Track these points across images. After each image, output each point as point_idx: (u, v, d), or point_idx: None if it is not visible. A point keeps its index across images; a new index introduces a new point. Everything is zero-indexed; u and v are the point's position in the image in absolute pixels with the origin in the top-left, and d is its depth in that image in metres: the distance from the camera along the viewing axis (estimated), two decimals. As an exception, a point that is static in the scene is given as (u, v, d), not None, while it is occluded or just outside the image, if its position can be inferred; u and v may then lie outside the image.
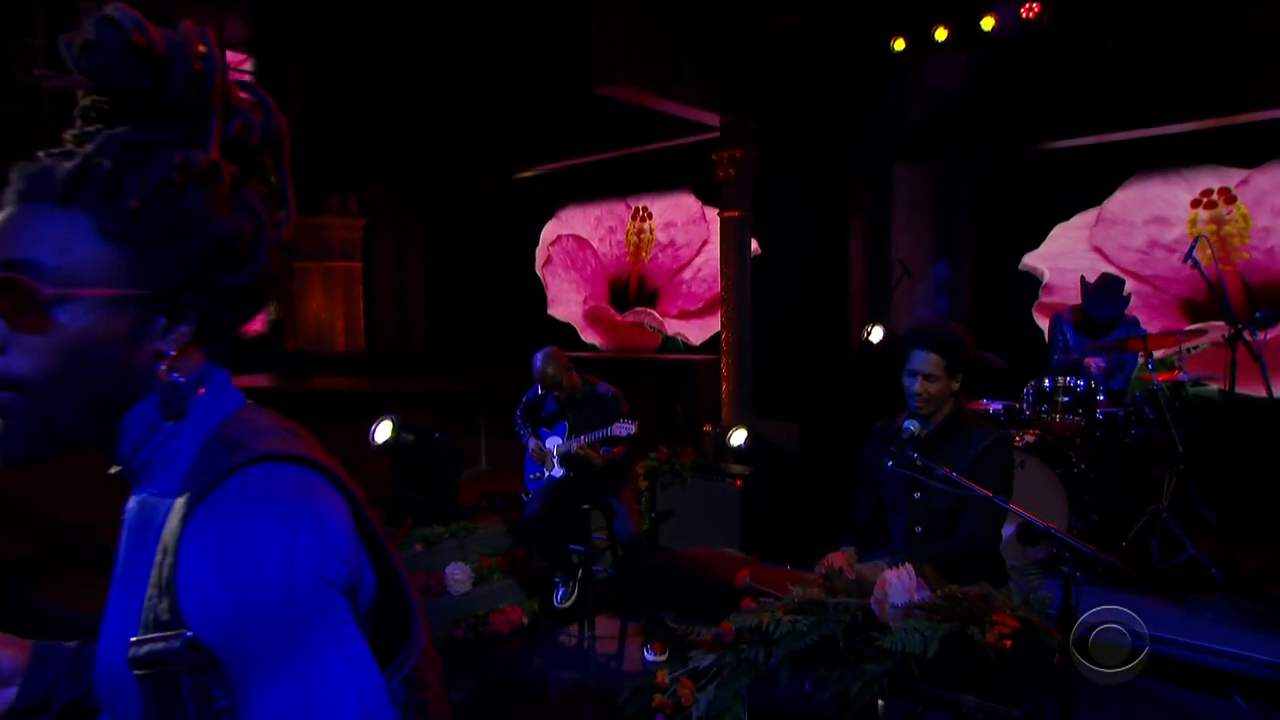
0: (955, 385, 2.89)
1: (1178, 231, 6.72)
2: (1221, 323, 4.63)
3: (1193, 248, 4.30)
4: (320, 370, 8.49)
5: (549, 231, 10.79)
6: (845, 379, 7.01)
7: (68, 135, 0.87)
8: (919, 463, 2.67)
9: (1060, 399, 4.56)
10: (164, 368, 0.87)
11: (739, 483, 5.16)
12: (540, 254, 10.88)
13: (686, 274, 9.44)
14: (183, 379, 0.88)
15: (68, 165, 0.83)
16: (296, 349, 9.07)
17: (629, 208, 9.94)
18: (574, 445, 4.50)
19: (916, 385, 2.86)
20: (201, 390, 0.90)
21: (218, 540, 0.77)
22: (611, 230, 10.15)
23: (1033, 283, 7.51)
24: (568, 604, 4.82)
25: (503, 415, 6.51)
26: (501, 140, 9.10)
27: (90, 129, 0.86)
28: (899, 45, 6.23)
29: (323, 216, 8.73)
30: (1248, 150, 6.34)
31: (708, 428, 6.62)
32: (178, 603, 0.78)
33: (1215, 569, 4.32)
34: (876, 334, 6.35)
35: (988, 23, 5.88)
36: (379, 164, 8.52)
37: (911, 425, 2.84)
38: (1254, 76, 5.57)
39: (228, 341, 0.95)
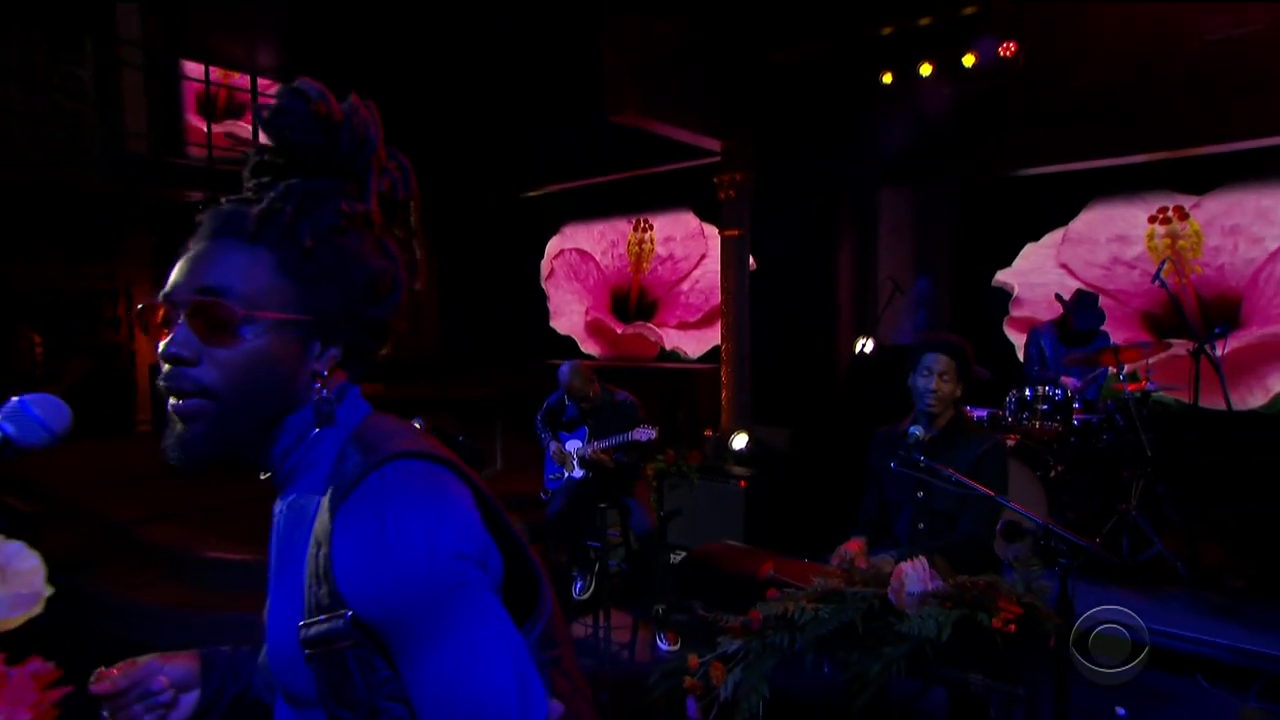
0: (959, 391, 3.00)
1: (1138, 249, 6.90)
2: (1183, 338, 4.78)
3: (1160, 270, 4.45)
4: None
5: (553, 245, 10.88)
6: (833, 387, 7.14)
7: (249, 185, 0.97)
8: (925, 464, 2.77)
9: (1040, 407, 4.69)
10: (318, 385, 0.95)
11: (742, 484, 5.25)
12: (544, 267, 10.96)
13: (685, 285, 9.55)
14: (330, 394, 0.96)
15: (255, 209, 0.92)
16: (316, 356, 9.06)
17: (630, 221, 10.05)
18: (589, 450, 4.59)
19: (932, 383, 2.94)
20: (339, 404, 0.98)
21: (365, 529, 0.83)
22: (613, 244, 10.24)
23: (1004, 297, 7.66)
24: (585, 596, 4.90)
25: (515, 419, 6.59)
26: (511, 162, 9.20)
27: (264, 179, 0.96)
28: (887, 79, 6.39)
29: (343, 231, 8.74)
30: (1199, 178, 6.53)
31: (708, 432, 6.73)
32: (336, 587, 0.83)
33: (1180, 563, 4.46)
34: (867, 346, 6.47)
35: (969, 60, 6.04)
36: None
37: (916, 430, 2.94)
38: (1201, 115, 5.77)
39: (365, 365, 1.03)
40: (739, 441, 5.80)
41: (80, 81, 6.86)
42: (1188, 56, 5.66)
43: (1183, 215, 6.68)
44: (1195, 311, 6.47)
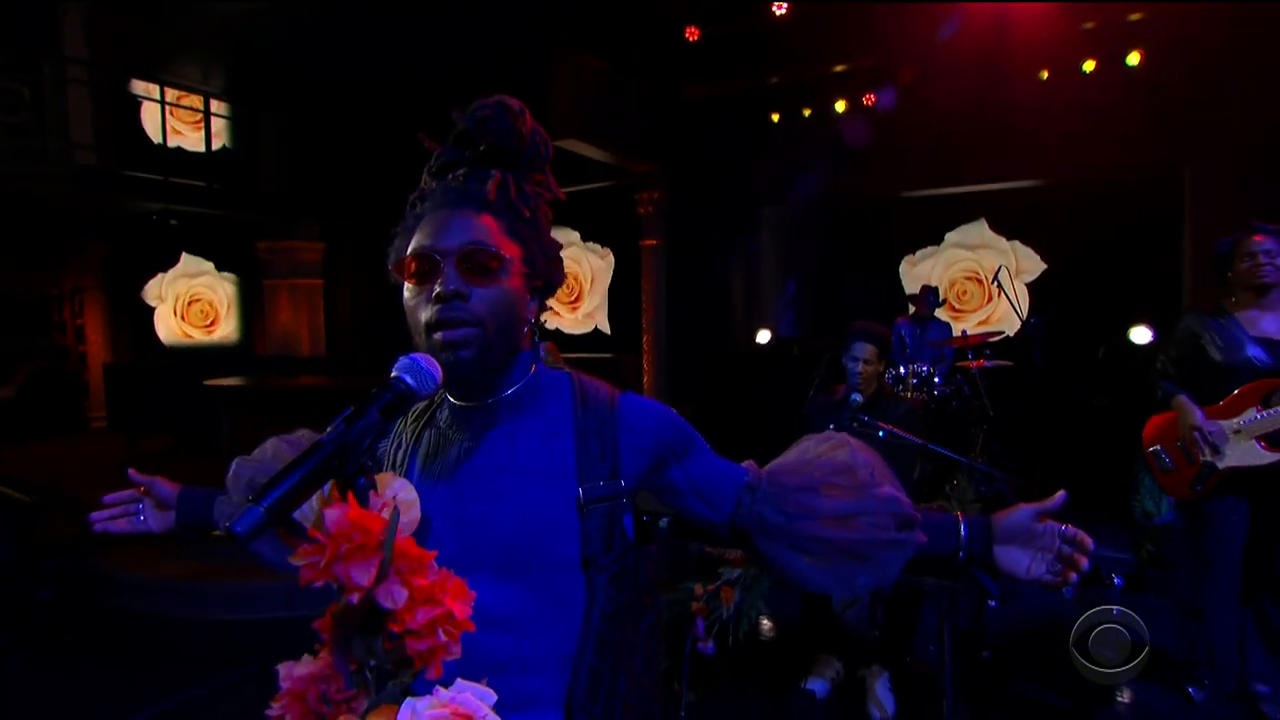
0: (882, 368, 3.29)
1: (977, 257, 7.51)
2: (1017, 327, 5.36)
3: (997, 273, 4.99)
4: (291, 371, 8.02)
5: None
6: (731, 369, 7.45)
7: (459, 174, 1.04)
8: (867, 420, 3.03)
9: (911, 381, 5.15)
10: (527, 330, 1.04)
11: (678, 450, 5.42)
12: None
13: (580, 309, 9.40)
14: (536, 339, 1.07)
15: (484, 186, 1.00)
16: (267, 354, 8.53)
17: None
18: None
19: (858, 367, 3.21)
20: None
21: (646, 411, 1.04)
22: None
23: (863, 295, 8.14)
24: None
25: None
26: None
27: (460, 171, 1.03)
28: (775, 118, 6.75)
29: (290, 240, 8.26)
30: (1029, 203, 7.06)
31: (634, 411, 6.85)
32: (620, 461, 1.00)
33: (1012, 497, 5.03)
34: (763, 337, 6.80)
35: (840, 105, 6.49)
36: (339, 196, 8.18)
37: (857, 397, 3.21)
38: (1005, 159, 6.47)
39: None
40: (667, 417, 5.95)
41: (20, 96, 6.13)
42: (1000, 114, 6.33)
43: (1015, 231, 7.37)
44: (1024, 304, 7.13)
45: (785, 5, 5.59)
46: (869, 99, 6.42)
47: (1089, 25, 5.66)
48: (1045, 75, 6.11)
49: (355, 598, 0.72)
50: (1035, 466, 5.47)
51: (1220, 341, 2.59)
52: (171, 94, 7.39)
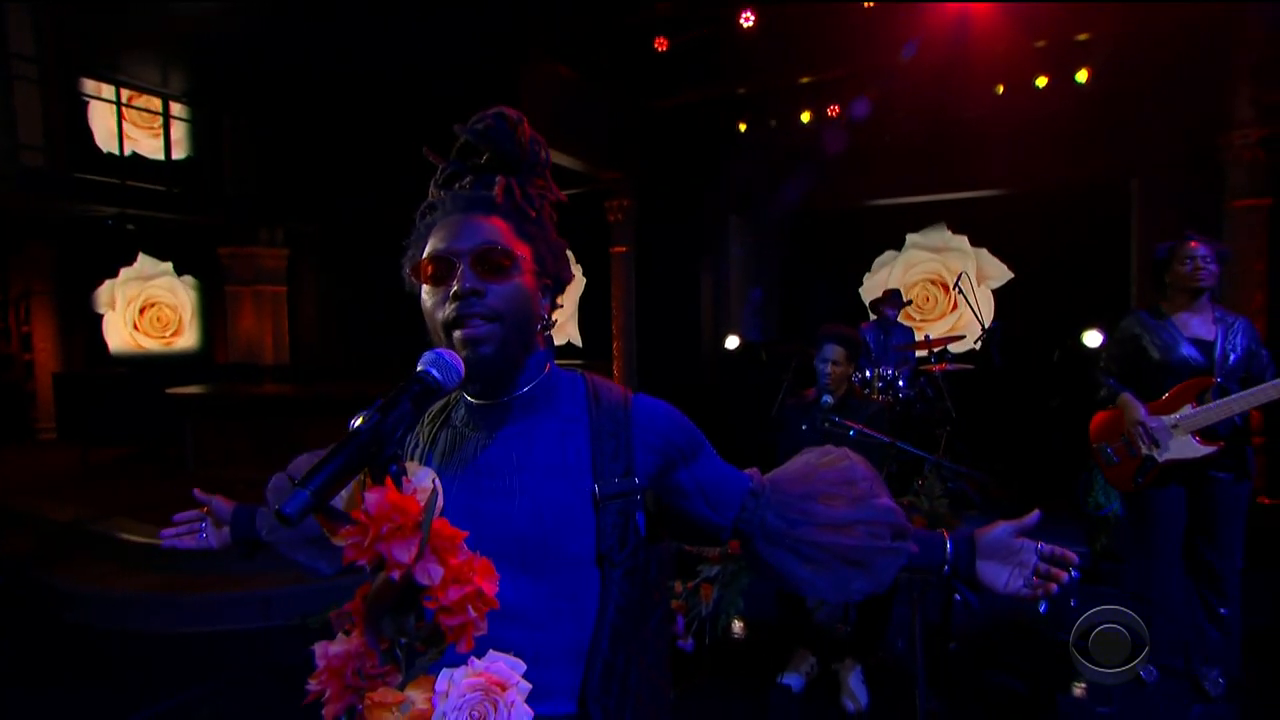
0: (851, 370, 3.41)
1: (942, 261, 7.75)
2: (977, 330, 5.57)
3: (958, 280, 5.18)
4: (253, 379, 7.87)
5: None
6: (694, 377, 7.54)
7: (465, 181, 1.09)
8: (838, 421, 3.14)
9: (876, 384, 5.31)
10: (540, 328, 1.08)
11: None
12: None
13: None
14: (550, 336, 1.11)
15: (492, 191, 1.04)
16: (228, 362, 8.34)
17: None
18: None
19: (827, 368, 3.32)
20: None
21: (658, 413, 1.08)
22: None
23: (826, 305, 8.35)
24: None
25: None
26: (413, 185, 8.85)
27: (466, 178, 1.09)
28: (742, 127, 6.89)
29: (253, 246, 8.10)
30: (987, 212, 7.38)
31: (605, 416, 6.88)
32: (634, 460, 1.03)
33: (974, 494, 5.22)
34: (732, 342, 6.90)
35: (806, 116, 6.66)
36: (302, 202, 8.06)
37: (828, 399, 3.32)
38: (982, 166, 6.71)
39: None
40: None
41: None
42: (959, 127, 6.57)
43: (977, 240, 7.61)
44: (985, 310, 7.38)
45: (752, 16, 5.73)
46: (834, 110, 6.60)
47: (1041, 43, 5.93)
48: (1001, 89, 6.37)
49: (397, 574, 0.77)
50: (996, 464, 5.67)
51: (1158, 341, 2.78)
52: (129, 96, 7.20)
